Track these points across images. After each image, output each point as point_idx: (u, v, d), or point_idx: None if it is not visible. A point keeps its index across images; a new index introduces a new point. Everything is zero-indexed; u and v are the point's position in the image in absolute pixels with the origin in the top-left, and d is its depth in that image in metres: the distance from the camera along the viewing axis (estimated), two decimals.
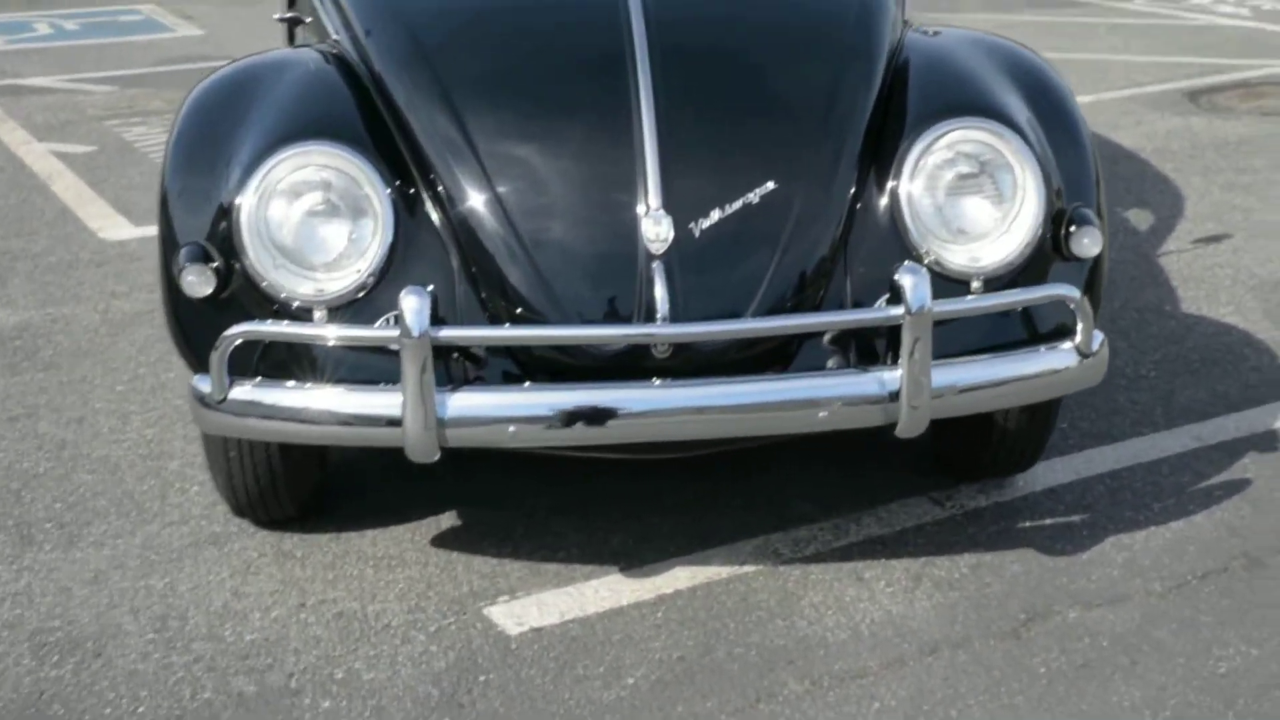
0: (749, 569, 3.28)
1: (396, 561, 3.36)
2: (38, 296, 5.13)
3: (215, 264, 2.96)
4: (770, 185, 3.00)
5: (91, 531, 3.53)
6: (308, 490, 3.48)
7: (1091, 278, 3.14)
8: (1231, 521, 3.43)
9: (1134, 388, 4.15)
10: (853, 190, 3.07)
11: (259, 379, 2.97)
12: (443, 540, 3.45)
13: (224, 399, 2.94)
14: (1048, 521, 3.45)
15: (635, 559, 3.35)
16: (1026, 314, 3.06)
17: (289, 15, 4.16)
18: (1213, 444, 3.80)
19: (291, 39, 4.19)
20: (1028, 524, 3.44)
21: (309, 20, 3.96)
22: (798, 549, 3.36)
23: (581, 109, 3.13)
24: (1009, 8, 10.58)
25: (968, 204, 3.07)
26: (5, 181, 6.53)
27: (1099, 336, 3.05)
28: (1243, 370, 4.25)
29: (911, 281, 2.85)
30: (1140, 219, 5.67)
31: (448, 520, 3.54)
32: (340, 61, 3.39)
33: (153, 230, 5.75)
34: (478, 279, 3.00)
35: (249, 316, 2.97)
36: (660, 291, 2.88)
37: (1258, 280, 4.95)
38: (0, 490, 3.72)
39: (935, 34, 3.55)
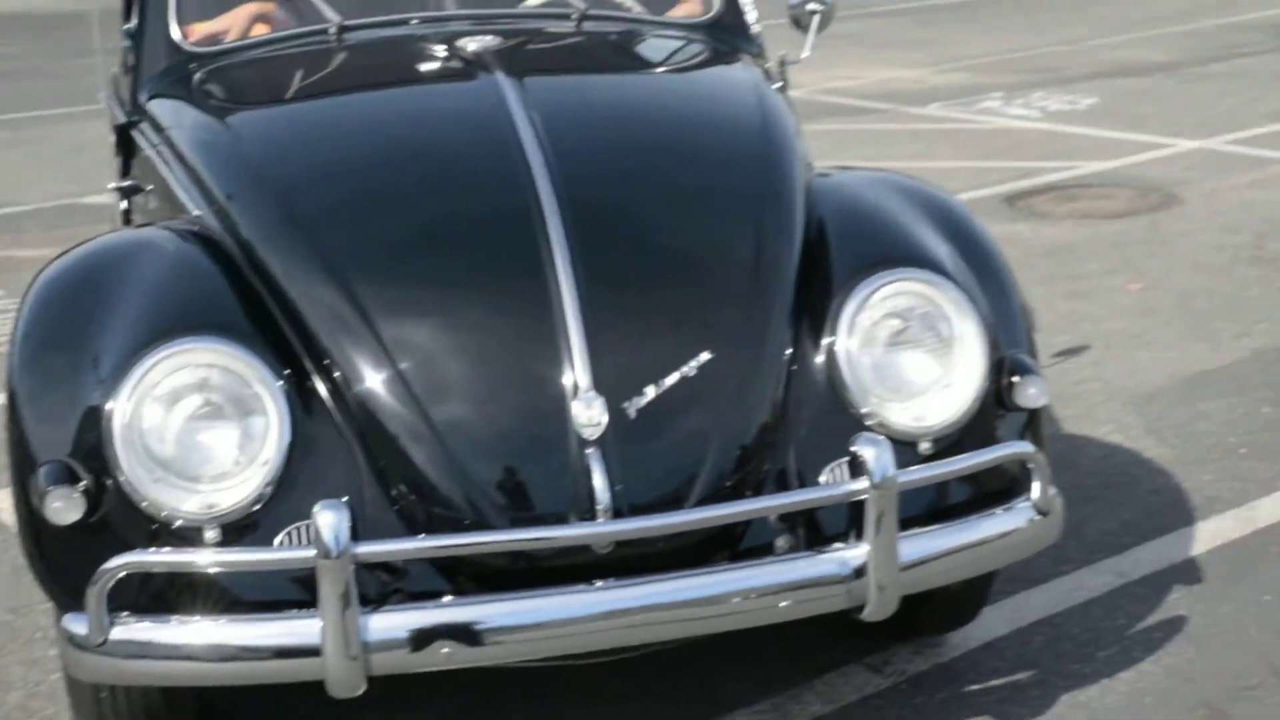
0: None
1: None
2: None
3: (83, 483, 2.59)
4: (705, 355, 2.77)
5: None
6: None
7: (1036, 428, 2.99)
8: (1180, 667, 3.28)
9: None
10: (788, 351, 2.87)
11: (141, 614, 2.59)
12: None
13: (104, 641, 2.55)
14: (995, 682, 3.26)
15: None
16: (976, 473, 2.89)
17: (125, 184, 3.77)
18: (1136, 579, 3.68)
19: (128, 209, 3.80)
20: (975, 686, 3.25)
21: (150, 188, 3.59)
22: None
23: (490, 275, 2.84)
24: (805, 117, 10.67)
25: (906, 359, 2.89)
26: None
27: (1052, 491, 2.90)
28: (1141, 494, 4.18)
29: (873, 453, 2.65)
30: None
31: None
32: (202, 239, 3.04)
33: None
34: (388, 476, 2.68)
35: (124, 540, 2.61)
36: (599, 482, 2.61)
37: (1129, 394, 4.92)
38: None
39: (829, 176, 3.40)
